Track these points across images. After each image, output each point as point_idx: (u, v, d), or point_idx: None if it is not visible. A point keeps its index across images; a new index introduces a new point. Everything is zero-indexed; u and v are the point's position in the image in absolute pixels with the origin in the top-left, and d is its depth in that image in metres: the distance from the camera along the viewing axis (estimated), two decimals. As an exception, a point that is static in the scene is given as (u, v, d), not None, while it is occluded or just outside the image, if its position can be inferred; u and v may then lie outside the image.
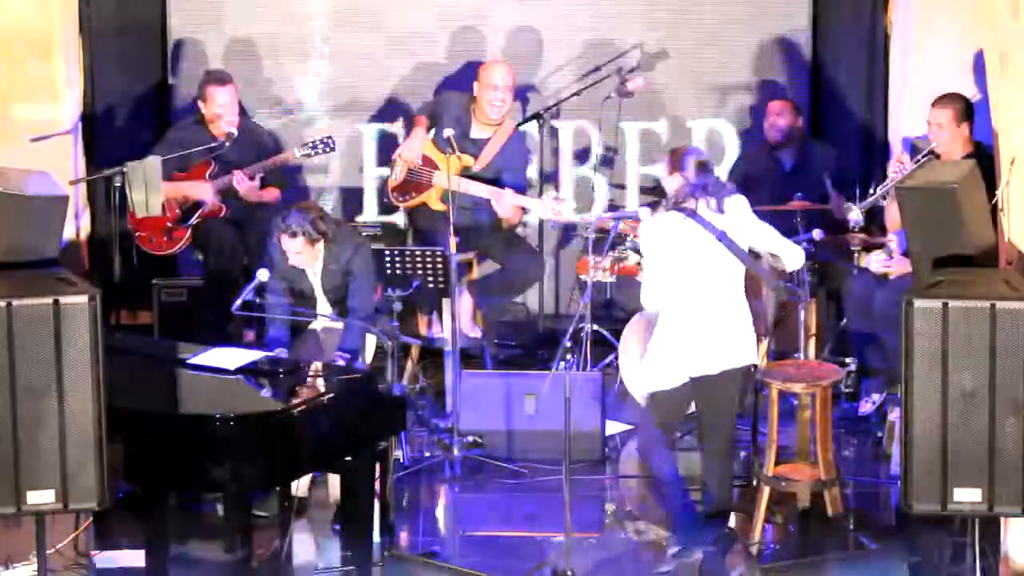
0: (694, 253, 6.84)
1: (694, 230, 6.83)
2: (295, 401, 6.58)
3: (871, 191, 8.48)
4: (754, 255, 7.05)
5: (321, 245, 7.76)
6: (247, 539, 6.42)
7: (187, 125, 9.04)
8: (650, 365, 6.99)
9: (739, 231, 6.89)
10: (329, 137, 8.97)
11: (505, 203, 8.76)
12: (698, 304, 6.84)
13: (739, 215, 6.93)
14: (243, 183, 8.71)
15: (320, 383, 6.85)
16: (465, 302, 8.89)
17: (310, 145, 8.88)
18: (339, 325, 7.81)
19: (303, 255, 7.72)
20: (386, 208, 9.56)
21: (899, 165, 8.29)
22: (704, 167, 6.92)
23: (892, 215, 8.29)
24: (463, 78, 9.41)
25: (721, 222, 6.86)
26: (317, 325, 7.94)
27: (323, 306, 7.91)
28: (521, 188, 8.92)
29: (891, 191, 8.20)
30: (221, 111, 8.82)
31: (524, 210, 8.96)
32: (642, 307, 8.71)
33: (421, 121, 9.00)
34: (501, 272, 9.06)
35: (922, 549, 6.91)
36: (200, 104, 8.92)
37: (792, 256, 7.11)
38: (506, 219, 8.87)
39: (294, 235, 7.65)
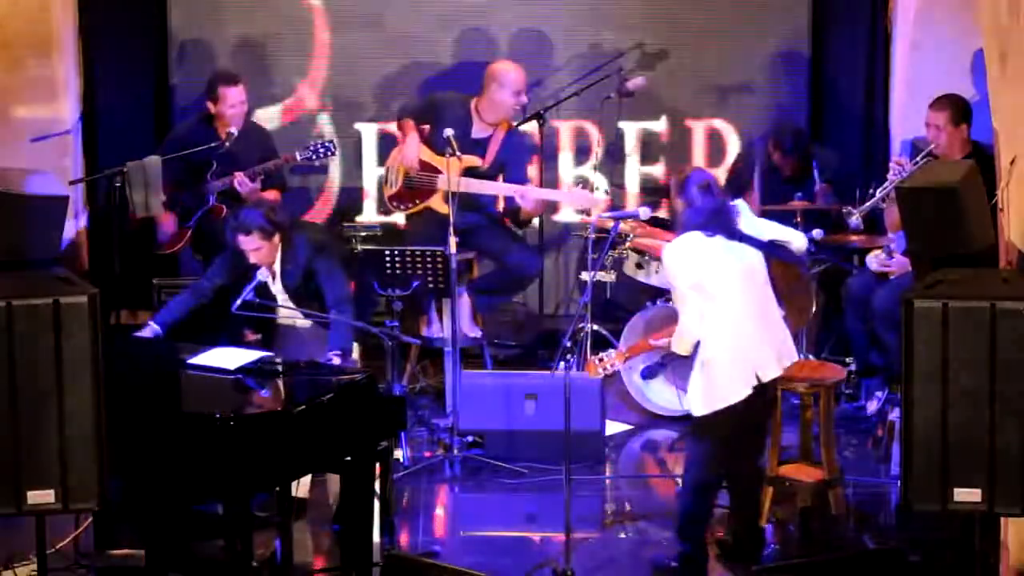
0: (729, 264, 6.72)
1: (719, 243, 6.74)
2: (295, 401, 6.58)
3: (871, 191, 8.48)
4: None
5: (278, 239, 7.77)
6: (247, 539, 6.42)
7: (191, 124, 9.04)
8: (715, 382, 6.70)
9: (751, 229, 6.85)
10: (330, 140, 8.97)
11: (532, 199, 8.76)
12: (747, 311, 6.71)
13: (745, 216, 6.90)
14: (244, 185, 8.70)
15: (320, 383, 6.84)
16: (464, 302, 8.89)
17: (311, 148, 8.87)
18: (308, 323, 7.84)
19: (261, 251, 7.74)
20: (386, 208, 9.56)
21: (898, 167, 8.30)
22: (708, 189, 6.76)
23: (892, 218, 8.30)
24: (463, 78, 9.41)
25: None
26: (289, 321, 7.95)
27: (285, 303, 7.92)
28: (524, 183, 8.93)
29: (891, 193, 8.21)
30: (232, 111, 8.82)
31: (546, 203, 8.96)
32: (644, 308, 8.78)
33: (411, 126, 8.96)
34: (499, 271, 9.06)
35: (922, 549, 6.91)
36: (209, 104, 8.90)
37: (797, 239, 7.08)
38: (527, 213, 8.86)
39: (248, 232, 7.69)
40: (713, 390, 6.69)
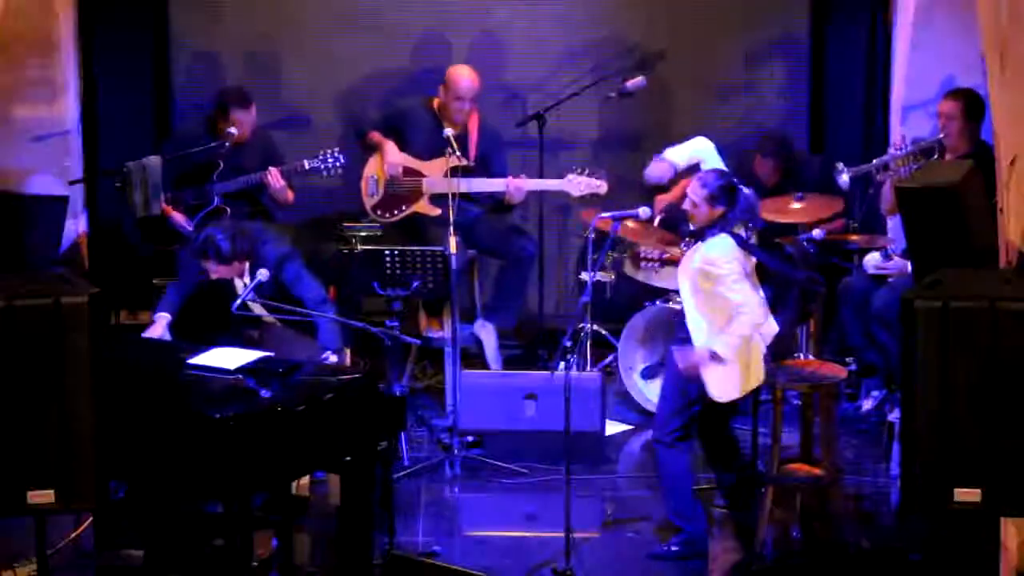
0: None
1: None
2: (295, 401, 6.58)
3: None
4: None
5: (239, 262, 7.74)
6: (247, 539, 6.42)
7: (193, 127, 9.01)
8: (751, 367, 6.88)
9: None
10: (340, 151, 8.85)
11: (524, 192, 8.80)
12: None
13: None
14: (278, 181, 8.69)
15: (320, 383, 6.84)
16: (489, 332, 8.90)
17: (320, 158, 8.79)
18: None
19: (219, 272, 7.72)
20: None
21: (899, 144, 8.30)
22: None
23: (887, 197, 8.30)
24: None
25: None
26: (271, 320, 7.95)
27: (259, 311, 7.88)
28: (505, 171, 8.94)
29: (888, 165, 8.23)
30: (240, 130, 8.75)
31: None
32: (644, 308, 8.80)
33: (379, 136, 8.94)
34: (502, 267, 9.02)
35: (922, 549, 6.91)
36: (220, 119, 8.81)
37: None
38: (514, 202, 8.89)
39: (205, 259, 7.66)
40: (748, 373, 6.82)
